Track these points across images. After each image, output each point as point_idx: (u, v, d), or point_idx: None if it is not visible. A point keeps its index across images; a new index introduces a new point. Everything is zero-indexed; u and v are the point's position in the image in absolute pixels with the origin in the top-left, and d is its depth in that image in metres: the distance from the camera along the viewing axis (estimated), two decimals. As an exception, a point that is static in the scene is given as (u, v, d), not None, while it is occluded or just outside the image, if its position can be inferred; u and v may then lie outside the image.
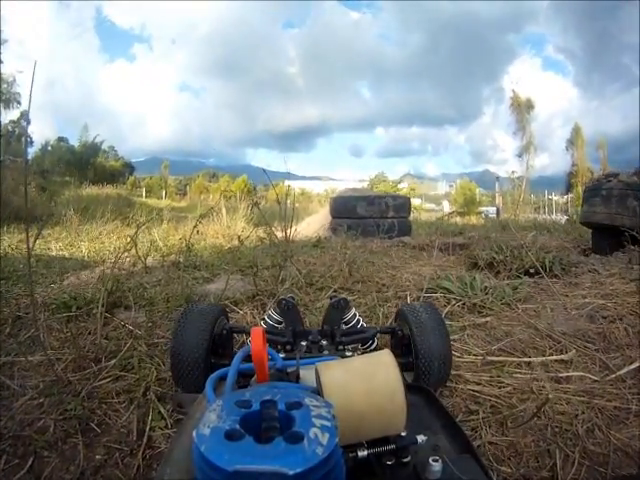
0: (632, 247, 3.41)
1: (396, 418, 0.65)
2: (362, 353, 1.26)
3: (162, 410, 1.31)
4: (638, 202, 3.40)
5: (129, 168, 37.73)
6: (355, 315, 1.42)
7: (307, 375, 0.80)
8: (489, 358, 1.71)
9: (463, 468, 0.63)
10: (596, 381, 1.53)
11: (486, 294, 2.53)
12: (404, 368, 1.18)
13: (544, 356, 1.74)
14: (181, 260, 3.36)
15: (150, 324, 1.90)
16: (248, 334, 1.39)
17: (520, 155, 19.13)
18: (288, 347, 1.18)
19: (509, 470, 1.19)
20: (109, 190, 15.47)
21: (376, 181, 38.70)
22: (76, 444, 1.19)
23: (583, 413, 1.38)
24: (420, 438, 0.67)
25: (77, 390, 1.39)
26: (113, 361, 1.57)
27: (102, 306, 1.84)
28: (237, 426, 0.49)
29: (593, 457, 1.24)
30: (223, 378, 0.77)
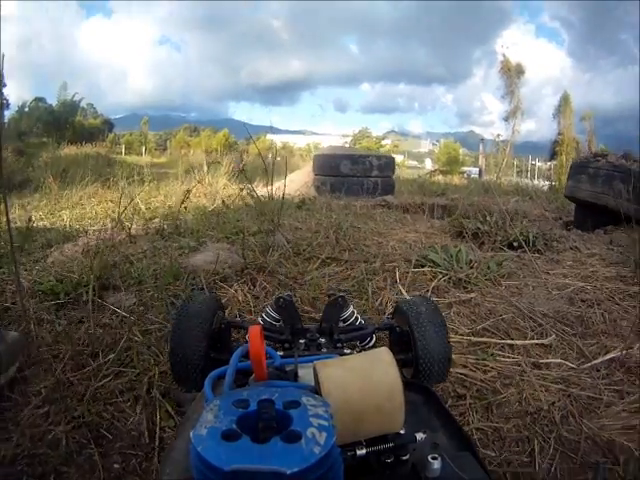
0: (614, 227, 3.51)
1: (395, 416, 0.65)
2: (360, 350, 1.28)
3: (169, 408, 1.33)
4: (624, 185, 3.46)
5: (108, 125, 37.52)
6: (353, 313, 1.42)
7: (305, 373, 0.80)
8: (474, 339, 1.79)
9: (462, 466, 0.64)
10: (573, 368, 1.62)
11: (471, 268, 2.59)
12: (403, 364, 1.19)
13: (526, 339, 1.82)
14: (165, 227, 3.28)
15: (142, 307, 1.89)
16: (246, 329, 1.40)
17: (507, 119, 19.01)
18: (286, 345, 1.18)
19: (493, 454, 1.27)
20: (88, 149, 14.86)
21: (359, 137, 38.38)
22: (91, 455, 1.18)
23: (559, 401, 1.47)
24: (419, 436, 0.68)
25: (80, 393, 1.39)
26: (111, 356, 1.55)
27: (92, 292, 1.81)
28: (234, 426, 0.49)
29: (566, 444, 1.33)
30: (221, 376, 0.77)
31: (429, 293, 2.22)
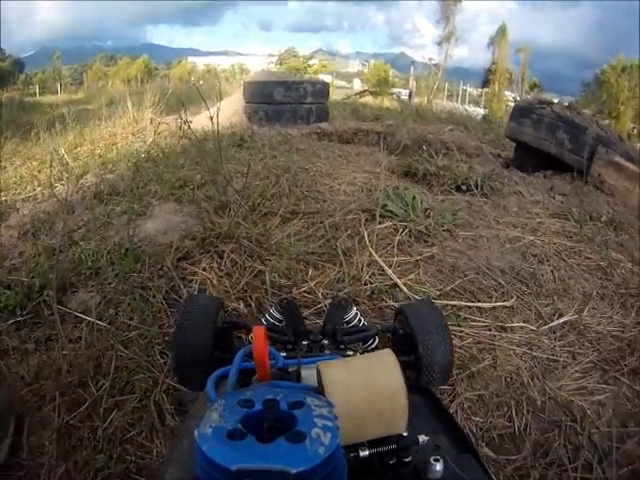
0: (554, 172, 3.75)
1: (397, 418, 0.66)
2: (363, 352, 1.28)
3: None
4: (567, 135, 3.65)
5: (19, 66, 33.83)
6: (357, 315, 1.42)
7: (308, 374, 0.81)
8: (446, 302, 1.90)
9: (464, 468, 0.65)
10: (533, 331, 1.80)
11: (427, 217, 2.68)
12: (405, 367, 1.23)
13: (491, 299, 1.96)
14: (102, 188, 2.92)
15: (110, 309, 1.74)
16: (248, 330, 1.36)
17: (440, 43, 18.89)
18: (289, 346, 1.17)
19: (481, 420, 1.43)
20: (-1, 95, 12.75)
21: (286, 56, 36.42)
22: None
23: (526, 363, 1.65)
24: (421, 438, 0.68)
25: (89, 438, 1.30)
26: (104, 383, 1.45)
27: (54, 299, 1.62)
28: (239, 425, 0.49)
29: (535, 405, 1.52)
30: (224, 376, 0.77)
31: (395, 250, 2.28)
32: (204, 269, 1.97)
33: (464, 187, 3.35)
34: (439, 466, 0.61)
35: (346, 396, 0.63)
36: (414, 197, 2.85)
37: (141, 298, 1.77)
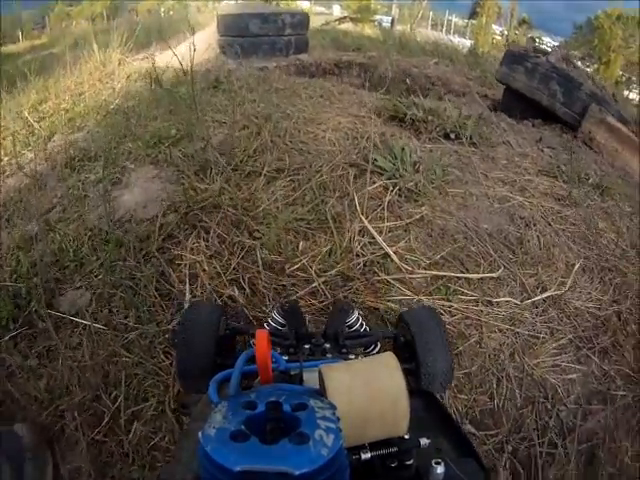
0: (542, 122, 3.68)
1: (399, 420, 0.66)
2: (364, 356, 1.28)
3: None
4: (560, 88, 3.53)
5: None
6: (358, 319, 1.41)
7: (310, 378, 0.82)
8: (436, 273, 1.92)
9: (465, 471, 0.65)
10: (517, 305, 1.86)
11: (417, 171, 2.64)
12: (406, 374, 1.24)
13: (479, 269, 1.99)
14: (73, 153, 2.66)
15: (105, 309, 1.69)
16: (251, 335, 1.35)
17: (426, -29, 17.41)
18: (291, 350, 1.17)
19: (465, 397, 1.51)
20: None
21: None
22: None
23: (508, 339, 1.73)
24: (423, 441, 0.69)
25: (120, 453, 1.33)
26: (117, 395, 1.46)
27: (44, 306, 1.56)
28: (242, 427, 0.50)
29: (513, 381, 1.61)
30: (226, 380, 0.78)
31: (385, 212, 2.25)
32: (191, 250, 1.89)
33: (452, 135, 3.27)
34: (440, 469, 0.62)
35: (348, 398, 0.63)
36: (403, 148, 2.78)
37: (132, 291, 1.72)
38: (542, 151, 3.22)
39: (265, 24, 5.47)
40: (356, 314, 1.43)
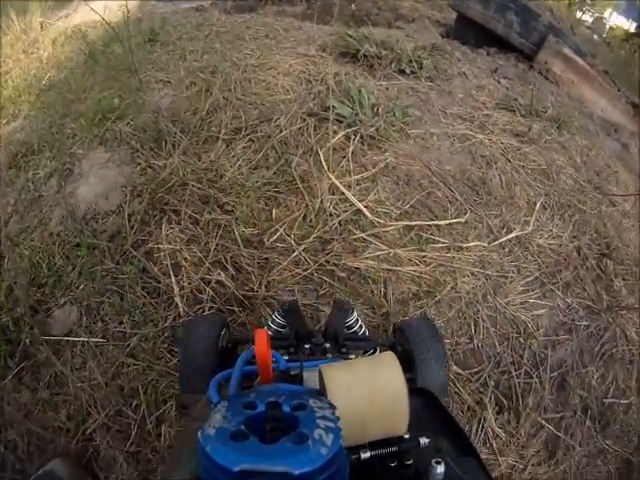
0: (498, 50, 3.64)
1: (399, 420, 0.66)
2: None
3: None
4: (517, 18, 3.45)
5: None
6: (358, 320, 1.41)
7: (310, 377, 0.82)
8: (407, 223, 1.96)
9: (466, 470, 0.65)
10: (485, 247, 1.94)
11: (376, 114, 2.60)
12: None
13: (446, 213, 2.04)
14: (13, 149, 2.37)
15: (98, 323, 1.62)
16: (251, 342, 1.32)
17: None
18: (291, 350, 1.17)
19: (448, 341, 1.61)
20: None
21: None
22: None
23: (479, 281, 1.82)
24: (423, 440, 0.68)
25: (156, 459, 1.36)
26: (137, 404, 1.45)
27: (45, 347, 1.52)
28: (242, 427, 0.50)
29: (488, 321, 1.72)
30: (226, 379, 0.79)
31: (350, 164, 2.22)
32: (167, 238, 1.81)
33: (408, 70, 3.20)
34: (440, 468, 0.62)
35: (348, 397, 0.64)
36: (360, 90, 2.70)
37: (119, 296, 1.67)
38: (499, 82, 3.21)
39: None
40: (355, 314, 1.43)
